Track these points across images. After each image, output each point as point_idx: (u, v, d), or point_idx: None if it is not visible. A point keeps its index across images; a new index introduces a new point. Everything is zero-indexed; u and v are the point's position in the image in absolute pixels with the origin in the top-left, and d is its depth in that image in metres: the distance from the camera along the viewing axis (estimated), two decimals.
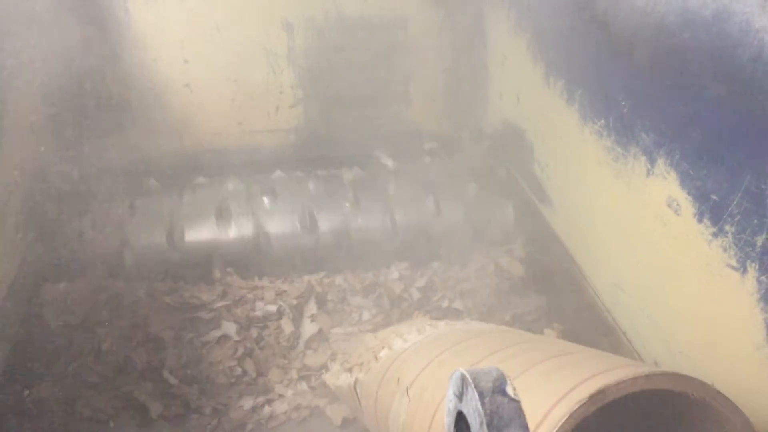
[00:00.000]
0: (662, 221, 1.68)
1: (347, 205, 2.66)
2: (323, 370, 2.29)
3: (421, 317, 2.41)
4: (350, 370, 2.08)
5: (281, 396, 2.26)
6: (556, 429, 1.17)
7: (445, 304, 2.49)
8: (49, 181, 2.62)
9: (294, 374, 2.31)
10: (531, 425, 1.22)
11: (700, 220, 1.53)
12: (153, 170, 2.81)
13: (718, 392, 1.27)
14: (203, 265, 2.55)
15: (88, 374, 2.22)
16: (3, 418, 2.05)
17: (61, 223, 2.53)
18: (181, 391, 2.22)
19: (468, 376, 0.71)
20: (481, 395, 0.70)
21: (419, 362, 1.72)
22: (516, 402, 0.71)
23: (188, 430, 2.14)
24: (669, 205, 1.64)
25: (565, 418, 1.18)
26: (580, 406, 1.18)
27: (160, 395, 2.21)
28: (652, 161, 1.70)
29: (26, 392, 2.14)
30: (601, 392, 1.19)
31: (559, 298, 2.41)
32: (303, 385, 2.28)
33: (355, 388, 1.97)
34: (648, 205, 1.74)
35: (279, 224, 2.61)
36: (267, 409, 2.22)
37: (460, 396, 0.74)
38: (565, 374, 1.33)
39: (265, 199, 2.65)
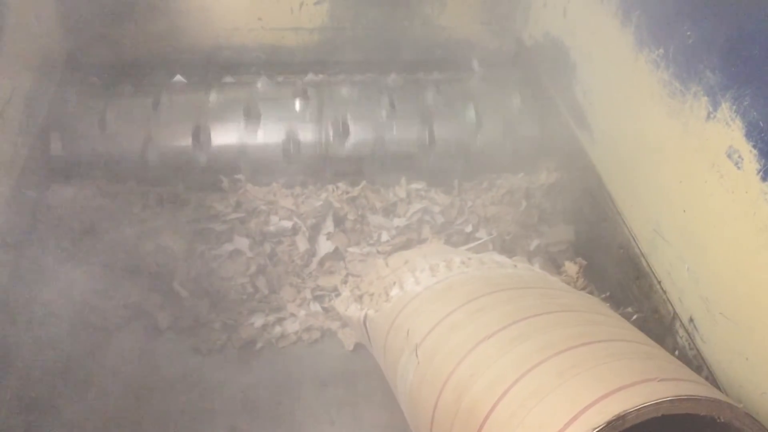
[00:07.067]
0: (719, 172, 1.52)
1: (383, 113, 2.50)
2: (335, 293, 2.22)
3: (437, 243, 2.29)
4: (360, 299, 1.99)
5: (293, 315, 2.19)
6: None
7: (468, 229, 2.37)
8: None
9: (307, 294, 2.23)
10: None
11: (764, 178, 1.37)
12: (164, 65, 2.65)
13: (747, 415, 1.21)
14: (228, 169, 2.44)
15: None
16: None
17: (81, 116, 2.40)
18: (191, 304, 2.16)
19: None
20: None
21: (430, 317, 1.62)
22: None
23: (198, 344, 2.10)
24: (729, 156, 1.48)
25: None
26: None
27: (170, 307, 2.15)
28: (714, 104, 1.52)
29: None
30: (620, 418, 1.12)
31: (590, 233, 2.28)
32: (316, 306, 2.21)
33: (365, 324, 1.89)
34: (704, 151, 1.57)
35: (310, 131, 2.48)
36: (278, 328, 2.16)
37: None
38: (584, 380, 1.25)
39: (297, 103, 2.49)
